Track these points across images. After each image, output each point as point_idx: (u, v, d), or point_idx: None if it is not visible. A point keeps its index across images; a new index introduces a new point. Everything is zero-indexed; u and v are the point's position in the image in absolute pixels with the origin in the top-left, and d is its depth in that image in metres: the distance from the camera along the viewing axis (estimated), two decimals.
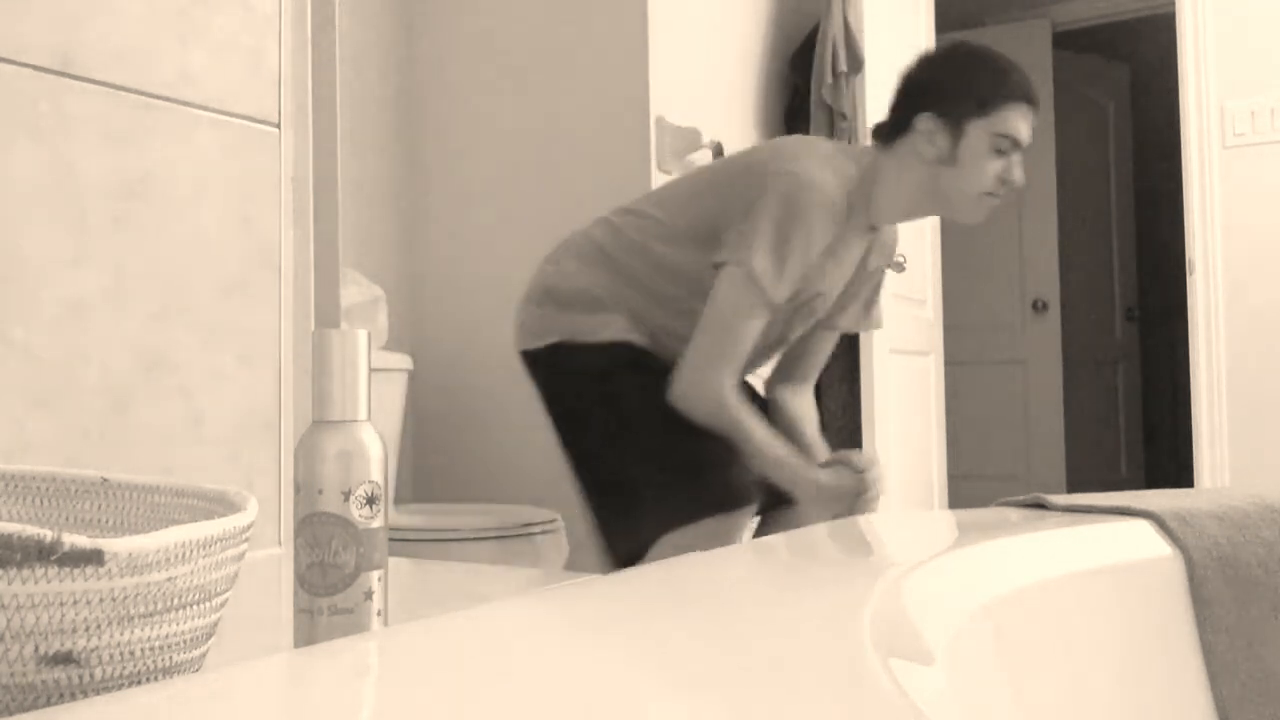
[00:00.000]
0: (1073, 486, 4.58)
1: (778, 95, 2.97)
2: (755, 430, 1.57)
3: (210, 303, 0.98)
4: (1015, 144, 1.59)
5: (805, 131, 2.88)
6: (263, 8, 1.04)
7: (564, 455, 1.70)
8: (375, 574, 0.54)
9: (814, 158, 1.59)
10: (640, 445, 1.61)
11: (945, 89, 1.61)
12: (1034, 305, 4.40)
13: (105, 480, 0.61)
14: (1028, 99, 1.59)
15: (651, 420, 1.60)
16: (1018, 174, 1.61)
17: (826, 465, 1.64)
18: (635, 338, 1.63)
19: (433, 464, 2.68)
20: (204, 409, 0.97)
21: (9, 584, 0.40)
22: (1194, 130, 3.08)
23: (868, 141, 1.73)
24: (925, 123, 1.59)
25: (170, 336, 0.95)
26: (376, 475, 0.54)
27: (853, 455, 1.63)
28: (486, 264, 2.61)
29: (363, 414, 0.55)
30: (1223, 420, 3.07)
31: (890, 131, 1.65)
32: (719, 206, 1.60)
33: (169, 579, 0.44)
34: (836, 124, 2.77)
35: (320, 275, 1.09)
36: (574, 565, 2.42)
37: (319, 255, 1.09)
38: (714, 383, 1.55)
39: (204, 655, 0.49)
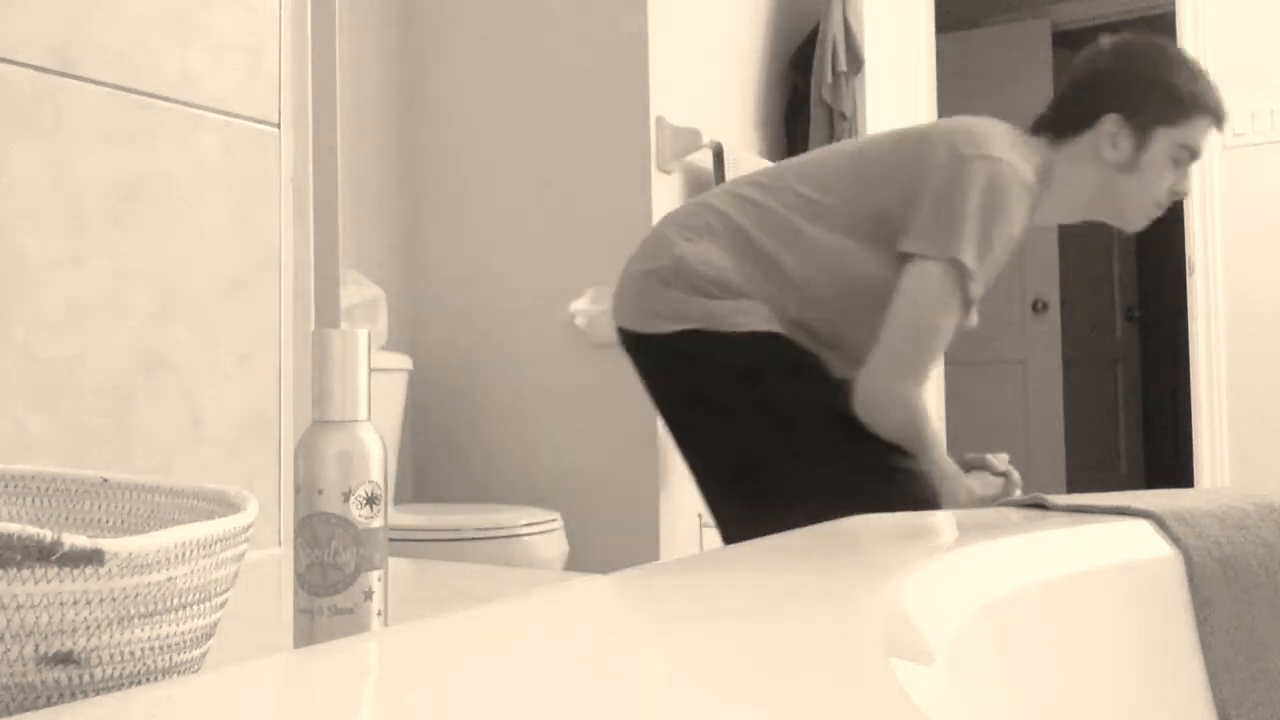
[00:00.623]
0: (1073, 486, 4.58)
1: (778, 95, 2.97)
2: (938, 440, 1.45)
3: (210, 303, 0.98)
4: (1194, 156, 1.53)
5: (805, 131, 2.89)
6: (263, 8, 1.04)
7: (691, 454, 1.57)
8: (375, 574, 0.54)
9: (1005, 142, 1.48)
10: (815, 452, 1.47)
11: (1139, 91, 1.51)
12: (1034, 305, 4.40)
13: (105, 480, 0.61)
14: (1218, 113, 1.52)
15: (822, 424, 1.48)
16: (1188, 185, 1.55)
17: (968, 472, 1.53)
18: (779, 328, 1.49)
19: (433, 464, 2.68)
20: (204, 409, 0.97)
21: (9, 584, 0.40)
22: None
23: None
24: (1111, 124, 1.50)
25: (170, 336, 0.95)
26: (376, 475, 0.54)
27: (990, 459, 1.53)
28: (486, 264, 2.61)
29: (363, 414, 0.55)
30: (1223, 420, 3.07)
31: (1066, 126, 1.54)
32: (894, 190, 1.47)
33: (169, 579, 0.44)
34: (836, 124, 2.77)
35: (320, 275, 1.09)
36: (574, 565, 2.42)
37: (319, 255, 1.09)
38: (909, 390, 1.43)
39: (204, 655, 0.49)
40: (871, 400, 1.44)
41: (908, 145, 1.51)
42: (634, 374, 1.64)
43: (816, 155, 1.61)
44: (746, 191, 1.58)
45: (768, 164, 2.66)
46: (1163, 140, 1.50)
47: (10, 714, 0.41)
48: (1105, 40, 1.59)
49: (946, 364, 3.80)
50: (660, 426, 2.35)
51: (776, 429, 1.48)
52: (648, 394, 1.60)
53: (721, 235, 1.54)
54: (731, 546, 0.71)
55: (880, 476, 1.44)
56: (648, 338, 1.54)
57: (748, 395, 1.49)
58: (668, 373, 1.55)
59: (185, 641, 0.46)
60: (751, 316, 1.49)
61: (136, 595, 0.43)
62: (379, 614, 0.54)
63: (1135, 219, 1.58)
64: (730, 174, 2.48)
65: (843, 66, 2.75)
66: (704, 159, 2.57)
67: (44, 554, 0.40)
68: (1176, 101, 1.50)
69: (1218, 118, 1.52)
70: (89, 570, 0.41)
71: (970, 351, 4.38)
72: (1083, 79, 1.57)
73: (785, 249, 1.51)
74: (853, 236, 1.49)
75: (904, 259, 1.44)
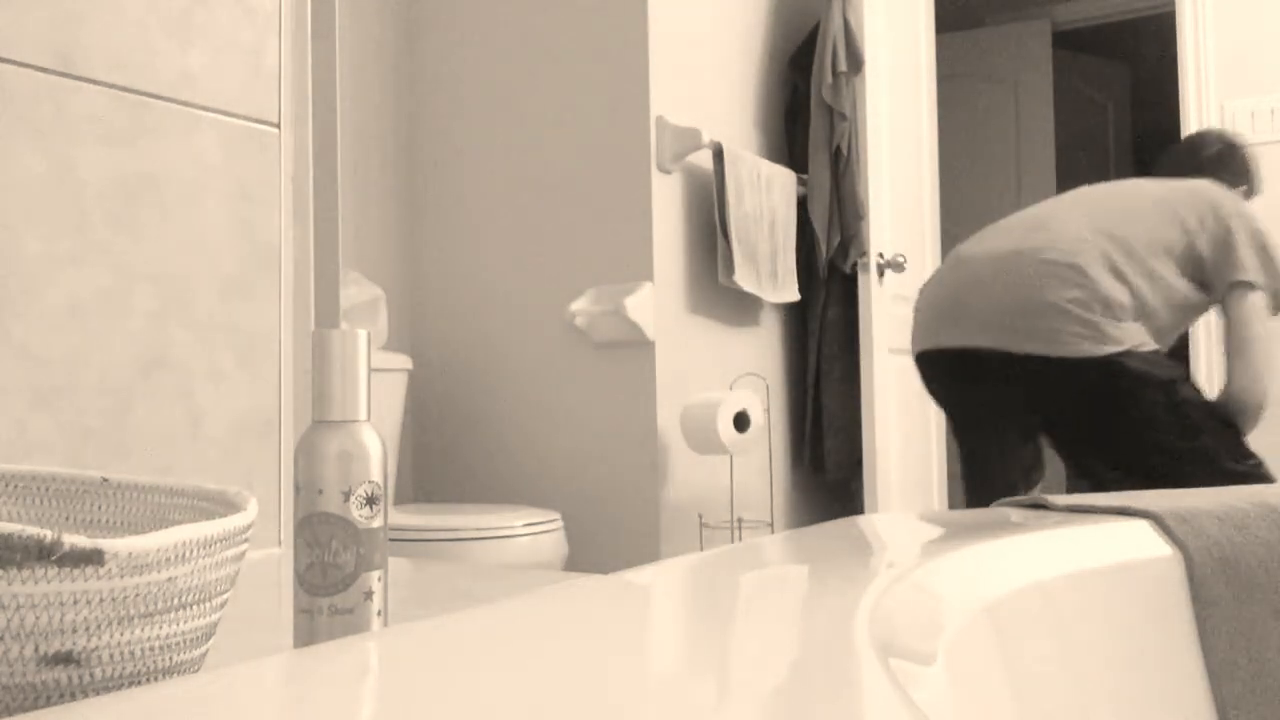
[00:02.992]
0: (1074, 486, 4.57)
1: (778, 95, 2.97)
2: None
3: (210, 303, 0.98)
4: None
5: (805, 131, 2.88)
6: (263, 8, 1.04)
7: (1106, 459, 1.89)
8: (375, 574, 0.54)
9: None
10: (1214, 450, 1.84)
11: (1245, 165, 2.12)
12: None
13: (105, 480, 0.61)
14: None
15: (1217, 422, 1.85)
16: None
17: None
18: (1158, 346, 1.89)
19: (433, 464, 2.68)
20: (204, 409, 0.97)
21: (9, 584, 0.40)
22: (1194, 130, 3.08)
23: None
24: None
25: (170, 336, 0.95)
26: (376, 475, 0.54)
27: None
28: (486, 264, 2.61)
29: (363, 414, 0.55)
30: None
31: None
32: (1196, 235, 1.90)
33: (169, 579, 0.44)
34: (836, 124, 2.77)
35: (320, 275, 1.09)
36: (574, 565, 2.42)
37: (319, 255, 1.09)
38: (1272, 391, 1.86)
39: (204, 655, 0.49)
40: (1258, 400, 1.85)
41: (1196, 199, 1.93)
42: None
43: (1112, 195, 2.00)
44: (1096, 226, 1.91)
45: (768, 164, 2.66)
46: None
47: (10, 714, 0.41)
48: (1212, 133, 2.18)
49: None
50: (661, 425, 2.36)
51: (1187, 432, 1.83)
52: (1011, 409, 1.96)
53: (1106, 266, 1.86)
54: (732, 547, 0.71)
55: (1248, 463, 1.83)
56: (1079, 361, 1.82)
57: (1171, 403, 1.83)
58: (1100, 389, 1.83)
59: (185, 641, 0.46)
60: (1146, 337, 1.84)
61: (136, 595, 0.43)
62: (379, 614, 0.54)
63: None
64: (730, 174, 2.48)
65: (843, 66, 2.75)
66: (704, 159, 2.57)
67: (44, 554, 0.40)
68: (1253, 174, 2.13)
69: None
70: (89, 570, 0.41)
71: None
72: (1233, 155, 2.11)
73: (1142, 278, 1.86)
74: (1172, 267, 1.88)
75: (1239, 286, 1.88)
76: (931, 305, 2.00)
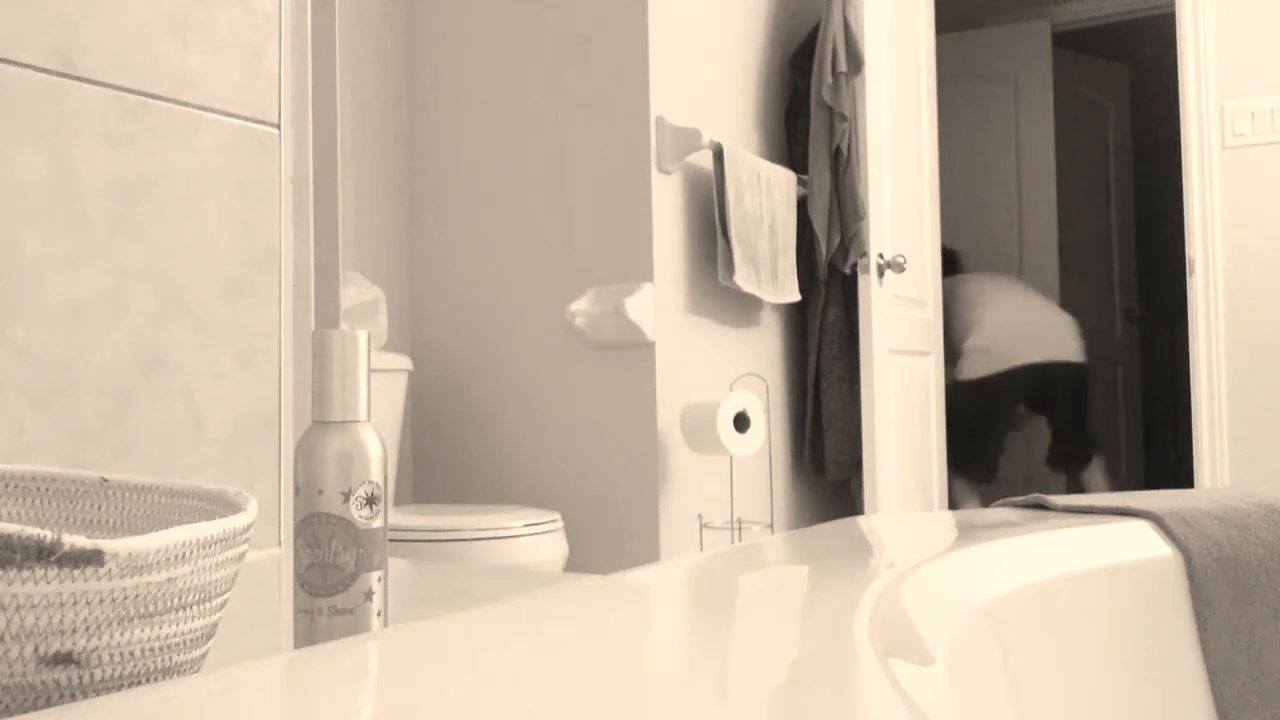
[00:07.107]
0: (1073, 487, 4.57)
1: (778, 95, 2.97)
2: None
3: (210, 303, 0.98)
4: None
5: (805, 132, 2.88)
6: (263, 8, 1.04)
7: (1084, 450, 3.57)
8: (375, 574, 0.54)
9: None
10: None
11: None
12: None
13: (105, 480, 0.61)
14: None
15: None
16: None
17: None
18: None
19: (433, 464, 2.68)
20: (204, 409, 0.97)
21: (9, 584, 0.40)
22: (1194, 130, 3.08)
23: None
24: None
25: (170, 336, 0.95)
26: (376, 475, 0.54)
27: None
28: (486, 265, 2.61)
29: (363, 414, 0.55)
30: (1223, 420, 3.07)
31: None
32: None
33: (169, 579, 0.44)
34: (836, 124, 2.77)
35: (320, 275, 1.09)
36: (574, 565, 2.42)
37: (319, 255, 1.09)
38: None
39: (204, 655, 0.49)
40: None
41: None
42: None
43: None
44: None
45: (768, 164, 2.66)
46: None
47: (10, 714, 0.41)
48: None
49: (948, 366, 3.79)
50: (661, 425, 2.36)
51: None
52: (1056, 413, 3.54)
53: None
54: (732, 547, 0.71)
55: None
56: (1081, 367, 3.47)
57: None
58: (1082, 393, 3.46)
59: (185, 642, 0.46)
60: None
61: (136, 595, 0.43)
62: (379, 614, 0.54)
63: None
64: (730, 174, 2.48)
65: (843, 67, 2.75)
66: (704, 159, 2.57)
67: (44, 554, 0.40)
68: None
69: None
70: (89, 570, 0.41)
71: None
72: None
73: None
74: None
75: None
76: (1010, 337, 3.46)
